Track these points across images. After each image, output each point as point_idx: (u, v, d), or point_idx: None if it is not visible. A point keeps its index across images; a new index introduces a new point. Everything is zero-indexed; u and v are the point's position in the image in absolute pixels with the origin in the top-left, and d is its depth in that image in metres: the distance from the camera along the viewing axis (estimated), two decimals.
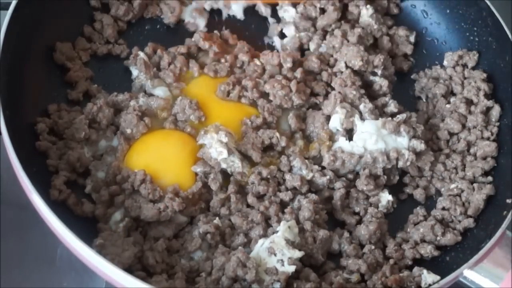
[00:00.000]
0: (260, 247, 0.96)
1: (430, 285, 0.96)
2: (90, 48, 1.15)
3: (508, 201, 1.04)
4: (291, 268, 0.93)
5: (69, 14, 1.13)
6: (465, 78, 1.21)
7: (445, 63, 1.24)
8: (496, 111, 1.15)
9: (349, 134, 1.11)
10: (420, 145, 1.10)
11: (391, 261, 1.01)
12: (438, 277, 0.97)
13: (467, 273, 0.93)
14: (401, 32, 1.26)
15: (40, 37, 1.07)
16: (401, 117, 1.12)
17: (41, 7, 1.07)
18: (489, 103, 1.16)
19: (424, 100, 1.21)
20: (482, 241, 0.98)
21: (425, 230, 1.04)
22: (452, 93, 1.21)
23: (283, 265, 0.93)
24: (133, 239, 0.94)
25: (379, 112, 1.14)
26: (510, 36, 1.14)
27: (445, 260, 1.03)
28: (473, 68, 1.22)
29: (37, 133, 1.01)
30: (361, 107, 1.12)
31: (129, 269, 0.90)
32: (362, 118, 1.11)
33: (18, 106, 0.98)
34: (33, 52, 1.06)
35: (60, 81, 1.09)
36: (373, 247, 1.02)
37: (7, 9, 1.01)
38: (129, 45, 1.17)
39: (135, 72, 1.14)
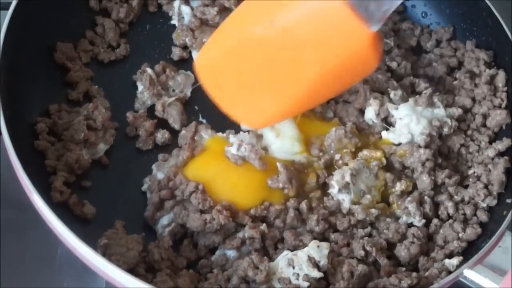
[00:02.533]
0: (282, 257, 0.95)
1: (457, 266, 0.95)
2: (92, 50, 1.14)
3: (508, 201, 1.04)
4: (304, 284, 0.92)
5: (69, 15, 1.13)
6: (455, 50, 1.22)
7: (428, 45, 1.25)
8: (501, 76, 1.15)
9: (385, 122, 1.11)
10: (457, 111, 1.11)
11: (422, 273, 0.97)
12: (461, 257, 0.97)
13: (467, 273, 0.93)
14: (405, 25, 1.26)
15: (40, 37, 1.07)
16: (427, 91, 1.12)
17: (41, 7, 1.06)
18: (492, 71, 1.16)
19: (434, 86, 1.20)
20: (482, 241, 0.98)
21: (445, 230, 1.03)
22: (452, 69, 1.22)
23: (297, 279, 0.92)
24: (136, 236, 0.94)
25: (409, 91, 1.15)
26: (510, 36, 1.14)
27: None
28: (450, 40, 1.24)
29: (37, 132, 1.01)
30: (392, 95, 1.12)
31: (133, 269, 0.90)
32: (394, 104, 1.11)
33: (18, 106, 0.98)
34: (33, 52, 1.06)
35: (61, 81, 1.09)
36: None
37: (7, 9, 1.01)
38: (130, 45, 1.17)
39: (140, 87, 1.13)
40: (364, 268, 0.95)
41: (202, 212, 0.97)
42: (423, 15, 1.29)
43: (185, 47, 1.20)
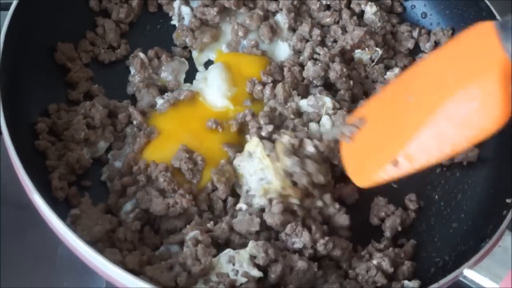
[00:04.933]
0: (224, 254, 0.94)
1: None
2: (92, 51, 1.15)
3: (508, 201, 1.04)
4: (241, 279, 0.90)
5: (69, 15, 1.13)
6: None
7: (427, 46, 1.25)
8: None
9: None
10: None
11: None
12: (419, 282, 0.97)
13: (467, 272, 0.93)
14: (404, 28, 1.26)
15: (40, 37, 1.07)
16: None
17: (41, 8, 1.07)
18: None
19: None
20: (482, 241, 0.98)
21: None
22: None
23: (236, 275, 0.91)
24: (110, 216, 0.95)
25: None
26: None
27: (445, 260, 1.03)
28: None
29: (37, 132, 1.01)
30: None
31: (94, 243, 0.90)
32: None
33: (18, 106, 0.98)
34: (34, 52, 1.06)
35: (61, 81, 1.10)
36: None
37: (7, 9, 1.01)
38: (130, 45, 1.17)
39: (132, 71, 1.14)
40: (303, 264, 0.93)
41: (164, 196, 0.97)
42: (423, 15, 1.29)
43: (185, 47, 1.20)
